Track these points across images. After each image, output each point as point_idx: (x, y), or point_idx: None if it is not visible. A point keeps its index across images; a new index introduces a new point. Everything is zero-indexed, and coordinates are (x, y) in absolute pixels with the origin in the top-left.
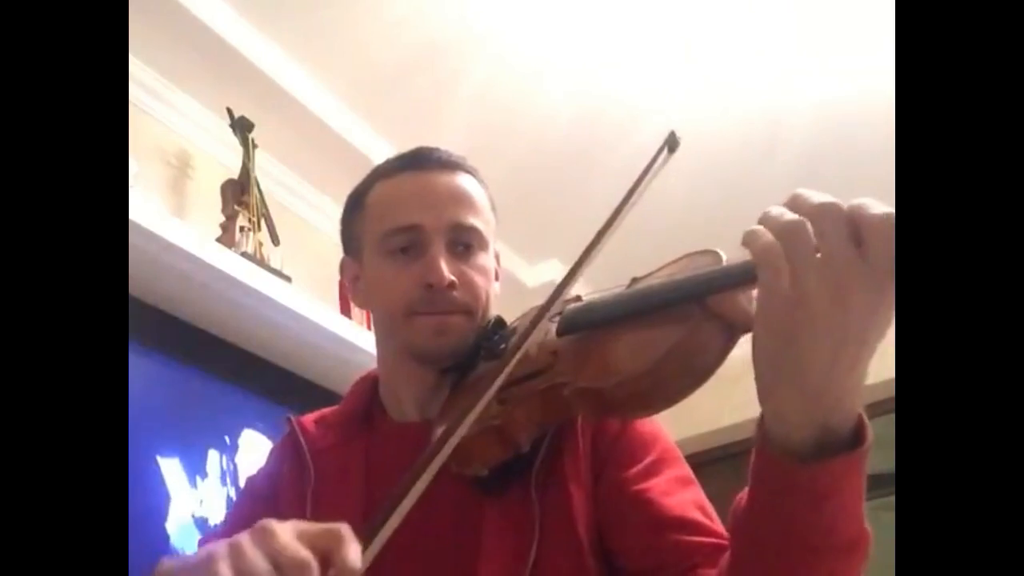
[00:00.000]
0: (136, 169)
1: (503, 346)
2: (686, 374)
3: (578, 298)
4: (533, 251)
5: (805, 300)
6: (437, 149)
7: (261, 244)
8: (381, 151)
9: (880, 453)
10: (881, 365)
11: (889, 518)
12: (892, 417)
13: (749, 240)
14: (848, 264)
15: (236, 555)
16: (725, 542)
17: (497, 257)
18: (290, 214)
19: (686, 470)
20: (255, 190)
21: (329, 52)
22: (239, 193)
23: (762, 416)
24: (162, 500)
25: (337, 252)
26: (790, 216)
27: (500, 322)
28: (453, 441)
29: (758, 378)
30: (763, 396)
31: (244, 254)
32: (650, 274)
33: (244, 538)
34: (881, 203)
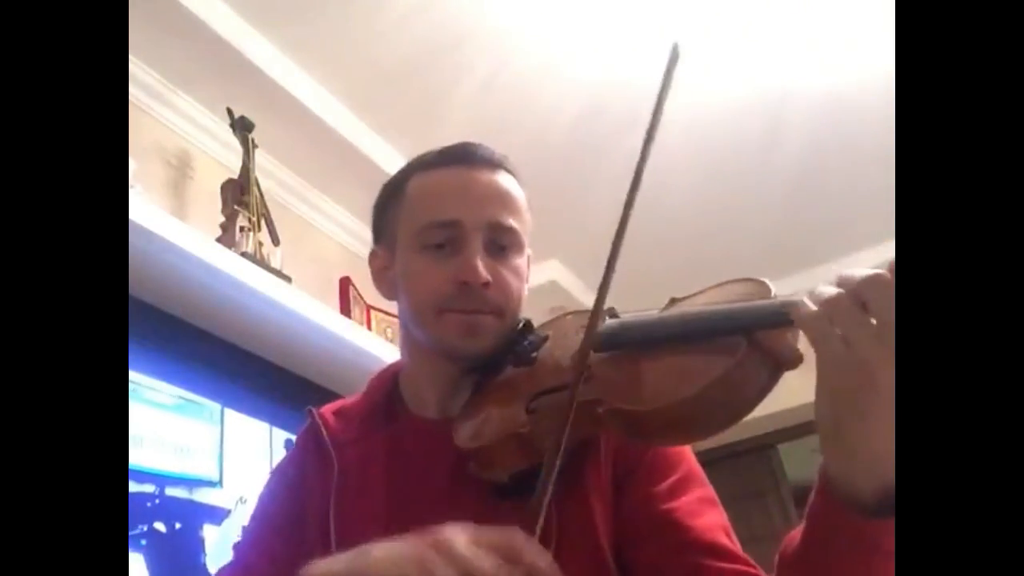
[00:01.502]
0: (136, 169)
1: (533, 353)
2: (726, 408)
3: (611, 309)
4: (533, 251)
5: (868, 374)
6: (481, 145)
7: (261, 244)
8: (381, 151)
9: None
10: None
11: None
12: None
13: (795, 307)
14: (892, 336)
15: (425, 571)
16: (752, 570)
17: (528, 259)
18: (290, 214)
19: (710, 491)
20: (255, 190)
21: (329, 52)
22: (239, 193)
23: (825, 463)
24: None
25: (337, 252)
26: (831, 290)
27: (528, 326)
28: (557, 460)
29: (822, 435)
30: (827, 453)
31: (244, 254)
32: (690, 296)
33: (429, 556)
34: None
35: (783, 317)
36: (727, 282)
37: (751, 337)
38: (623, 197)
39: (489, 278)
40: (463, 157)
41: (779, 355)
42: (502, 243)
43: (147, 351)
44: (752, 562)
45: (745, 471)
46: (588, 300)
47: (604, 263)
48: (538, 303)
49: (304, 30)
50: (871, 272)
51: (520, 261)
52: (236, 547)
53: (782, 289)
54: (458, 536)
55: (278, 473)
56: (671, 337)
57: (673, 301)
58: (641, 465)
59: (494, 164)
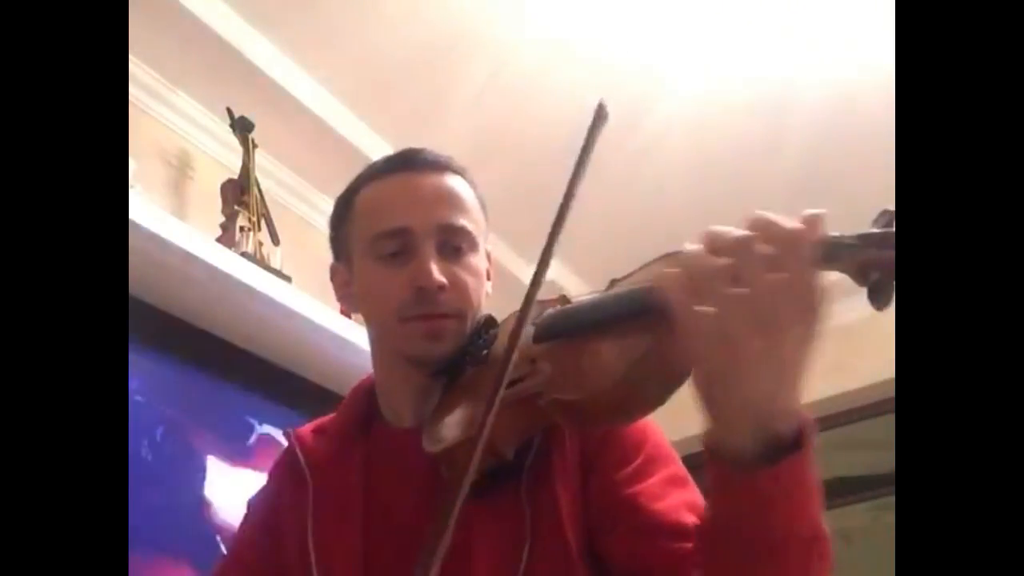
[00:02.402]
0: (136, 169)
1: (485, 351)
2: (659, 382)
3: (563, 297)
4: (533, 251)
5: (731, 343)
6: (423, 150)
7: (261, 244)
8: (381, 151)
9: (880, 453)
10: (881, 365)
11: (889, 518)
12: (892, 417)
13: (662, 281)
14: (771, 297)
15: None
16: None
17: (488, 257)
18: (290, 214)
19: (678, 467)
20: (255, 190)
21: (329, 52)
22: (239, 193)
23: (705, 431)
24: None
25: None
26: (697, 256)
27: (490, 321)
28: (477, 457)
29: (699, 398)
30: (706, 415)
31: (244, 254)
32: (628, 275)
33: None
34: (791, 217)
35: (629, 308)
36: (661, 256)
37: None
38: (623, 197)
39: (444, 281)
40: (407, 163)
41: None
42: (455, 244)
43: (147, 351)
44: None
45: None
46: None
47: (604, 264)
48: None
49: (304, 30)
50: (726, 235)
51: (476, 260)
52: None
53: None
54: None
55: (252, 505)
56: (600, 320)
57: (613, 283)
58: (604, 453)
59: (439, 167)
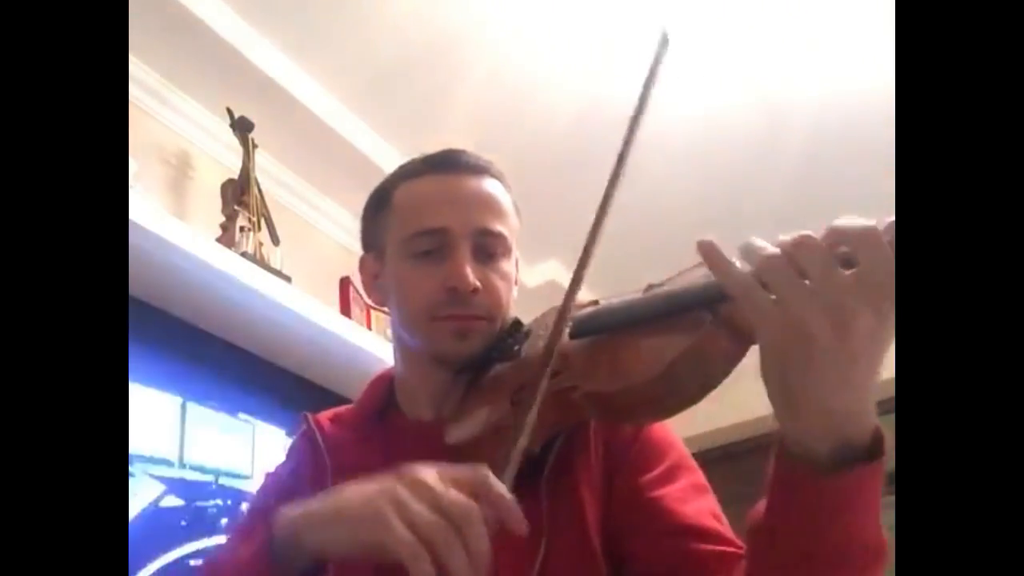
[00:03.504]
0: (136, 169)
1: (516, 347)
2: (695, 381)
3: (596, 303)
4: (533, 251)
5: (803, 331)
6: (464, 152)
7: (261, 244)
8: (381, 151)
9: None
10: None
11: (889, 518)
12: (892, 417)
13: (725, 275)
14: (840, 290)
15: (401, 507)
16: (740, 551)
17: (516, 263)
18: (290, 214)
19: (700, 477)
20: (255, 190)
21: (329, 52)
22: (239, 193)
23: (778, 433)
24: None
25: (337, 252)
26: (767, 250)
27: (517, 324)
28: (517, 456)
29: (771, 397)
30: (778, 414)
31: (244, 254)
32: (666, 280)
33: (400, 491)
34: (860, 218)
35: (718, 292)
36: (699, 264)
37: (714, 311)
38: (623, 197)
39: (478, 284)
40: (448, 164)
41: (741, 327)
42: (490, 249)
43: (147, 351)
44: (740, 543)
45: (745, 471)
46: (587, 300)
47: (603, 264)
48: (537, 303)
49: (304, 30)
50: (798, 234)
51: (508, 265)
52: (227, 539)
53: None
54: (427, 472)
55: (270, 478)
56: (640, 319)
57: (650, 287)
58: (630, 456)
59: (479, 170)
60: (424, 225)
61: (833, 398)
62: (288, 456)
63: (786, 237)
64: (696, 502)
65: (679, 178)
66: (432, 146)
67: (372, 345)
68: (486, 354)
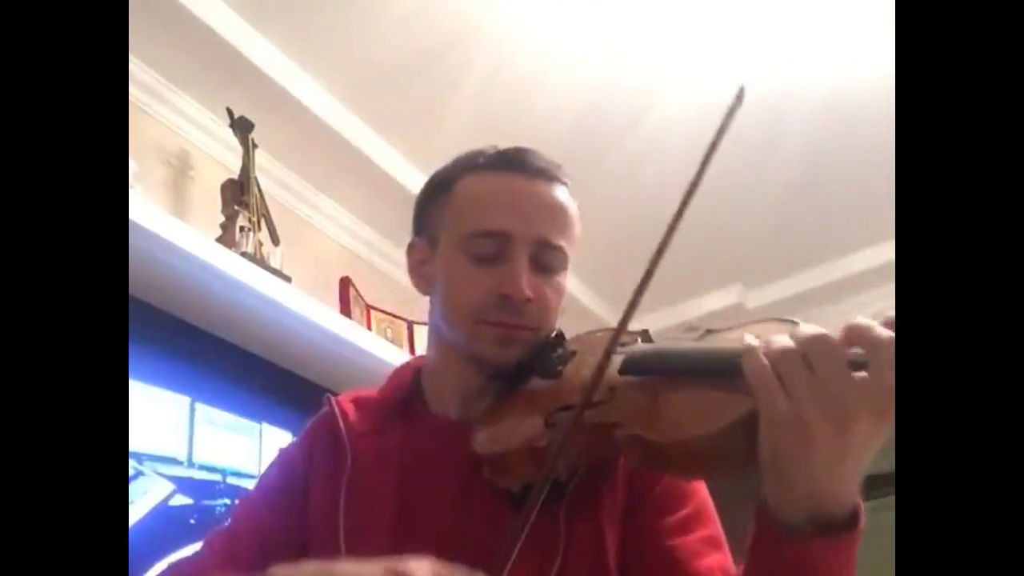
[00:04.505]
0: (136, 169)
1: (560, 367)
2: (749, 448)
3: (645, 332)
4: None
5: (805, 428)
6: (537, 153)
7: (261, 244)
8: (381, 151)
9: (880, 453)
10: None
11: (889, 518)
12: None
13: (746, 356)
14: (846, 393)
15: None
16: None
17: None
18: (290, 214)
19: (718, 529)
20: (255, 190)
21: (329, 52)
22: (239, 193)
23: (763, 495)
24: None
25: (337, 252)
26: (784, 343)
27: (560, 336)
28: (546, 482)
29: (761, 465)
30: (764, 479)
31: (244, 254)
32: (726, 329)
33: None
34: (881, 326)
35: (735, 367)
36: (769, 319)
37: None
38: (623, 197)
39: (531, 295)
40: (520, 165)
41: None
42: (548, 262)
43: (147, 351)
44: None
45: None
46: (593, 306)
47: (604, 264)
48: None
49: (304, 30)
50: (817, 332)
51: (563, 279)
52: (232, 514)
53: (782, 291)
54: (422, 566)
55: (285, 454)
56: (701, 370)
57: (708, 332)
58: (652, 494)
59: (550, 176)
60: (485, 225)
61: (819, 483)
62: (304, 435)
63: (805, 330)
64: (709, 557)
65: (678, 178)
66: (432, 146)
67: (372, 345)
68: (525, 364)
